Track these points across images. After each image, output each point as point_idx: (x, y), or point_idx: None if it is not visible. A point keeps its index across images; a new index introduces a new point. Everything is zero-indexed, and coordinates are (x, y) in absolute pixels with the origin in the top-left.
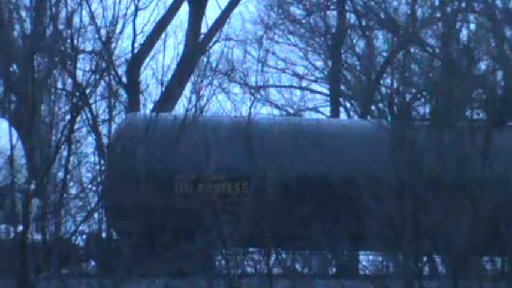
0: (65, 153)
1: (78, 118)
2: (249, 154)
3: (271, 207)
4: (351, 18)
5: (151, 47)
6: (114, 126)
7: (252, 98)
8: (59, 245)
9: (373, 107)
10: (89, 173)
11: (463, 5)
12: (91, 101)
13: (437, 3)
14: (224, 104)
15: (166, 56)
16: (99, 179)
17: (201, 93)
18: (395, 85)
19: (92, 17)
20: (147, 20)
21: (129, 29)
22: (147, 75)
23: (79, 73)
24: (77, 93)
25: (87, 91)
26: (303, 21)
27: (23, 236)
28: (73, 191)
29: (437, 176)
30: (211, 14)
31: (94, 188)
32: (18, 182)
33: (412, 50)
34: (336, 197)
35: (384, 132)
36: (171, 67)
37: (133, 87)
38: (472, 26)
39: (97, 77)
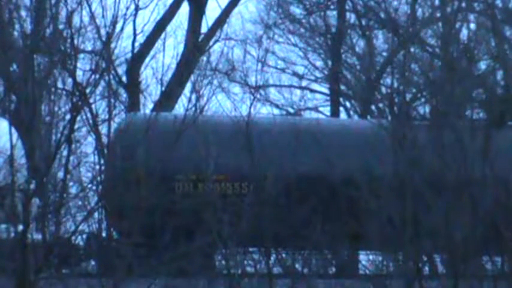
0: (65, 153)
1: (78, 118)
2: (249, 154)
3: (271, 207)
4: (351, 18)
5: (151, 46)
6: (114, 126)
7: (252, 97)
8: (59, 245)
9: (373, 107)
10: (89, 173)
11: (463, 5)
12: (91, 101)
13: (437, 3)
14: (224, 103)
15: (166, 55)
16: (99, 179)
17: (201, 93)
18: (395, 85)
19: (92, 17)
20: (147, 19)
21: (129, 28)
22: (147, 75)
23: (79, 73)
24: (77, 93)
25: (87, 91)
26: (303, 21)
27: (23, 236)
28: (73, 191)
29: (438, 175)
30: (211, 14)
31: (94, 188)
32: (18, 182)
33: (412, 50)
34: (336, 197)
35: (384, 132)
36: (171, 67)
37: (133, 87)
38: (472, 26)
39: (97, 77)
